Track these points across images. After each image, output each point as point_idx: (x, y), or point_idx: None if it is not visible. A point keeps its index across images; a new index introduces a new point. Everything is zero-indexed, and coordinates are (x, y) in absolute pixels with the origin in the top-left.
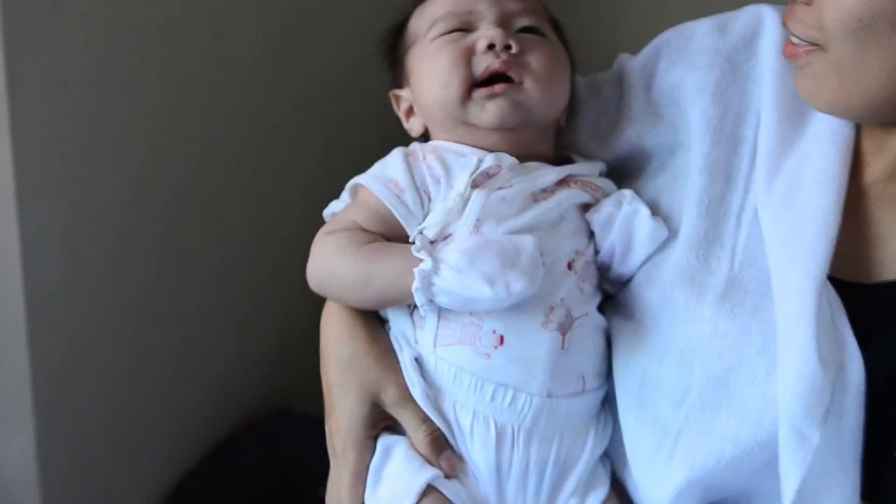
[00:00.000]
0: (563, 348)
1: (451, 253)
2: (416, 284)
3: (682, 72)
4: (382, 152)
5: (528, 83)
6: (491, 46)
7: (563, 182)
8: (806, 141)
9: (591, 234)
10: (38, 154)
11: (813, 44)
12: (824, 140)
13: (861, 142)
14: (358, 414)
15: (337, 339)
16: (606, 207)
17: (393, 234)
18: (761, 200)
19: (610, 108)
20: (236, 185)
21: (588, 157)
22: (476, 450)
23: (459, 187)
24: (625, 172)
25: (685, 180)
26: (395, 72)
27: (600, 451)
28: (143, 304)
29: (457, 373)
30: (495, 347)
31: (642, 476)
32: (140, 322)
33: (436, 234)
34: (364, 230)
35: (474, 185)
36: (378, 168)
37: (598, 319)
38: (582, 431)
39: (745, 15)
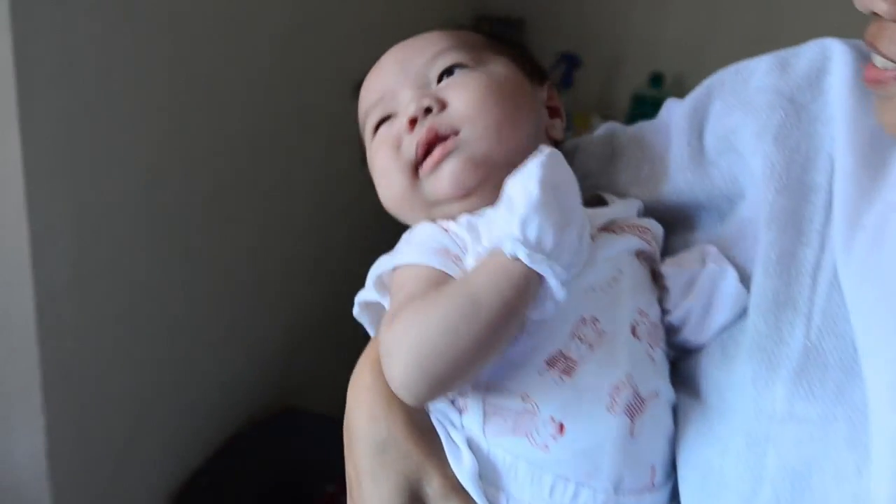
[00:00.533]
0: (632, 435)
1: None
2: (513, 251)
3: (739, 115)
4: None
5: (466, 128)
6: (412, 121)
7: (605, 228)
8: (889, 189)
9: (653, 289)
10: (46, 152)
11: None
12: None
13: None
14: None
15: (370, 421)
16: (689, 263)
17: None
18: (841, 258)
19: (654, 156)
20: (244, 182)
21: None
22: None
23: (478, 252)
24: (674, 224)
25: (756, 236)
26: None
27: None
28: (152, 303)
29: (512, 461)
30: (554, 438)
31: None
32: (148, 320)
33: None
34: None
35: None
36: (414, 245)
37: (670, 395)
38: None
39: (809, 50)
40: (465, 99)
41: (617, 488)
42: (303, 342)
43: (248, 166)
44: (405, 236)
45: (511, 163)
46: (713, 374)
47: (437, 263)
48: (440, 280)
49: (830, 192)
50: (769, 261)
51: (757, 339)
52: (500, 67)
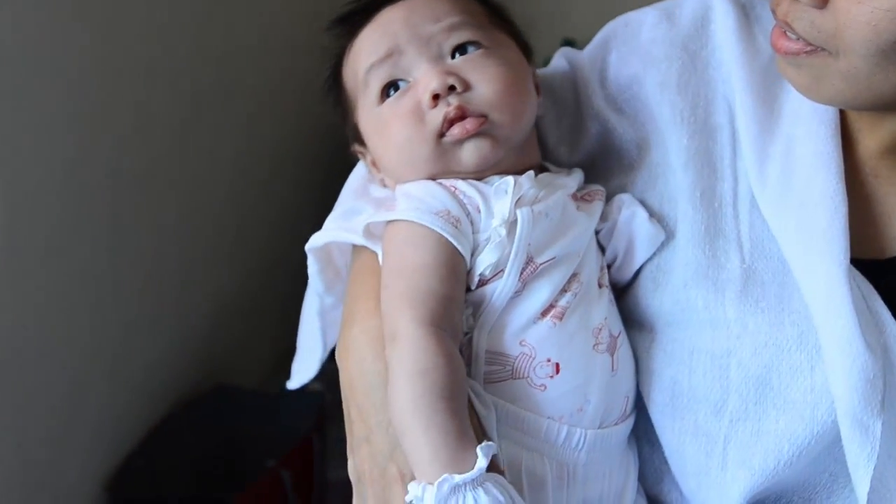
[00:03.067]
0: (613, 370)
1: None
2: (410, 494)
3: (638, 65)
4: (309, 123)
5: (493, 114)
6: (436, 97)
7: (579, 197)
8: (786, 123)
9: (600, 245)
10: None
11: (817, 45)
12: (809, 120)
13: (847, 120)
14: None
15: (375, 359)
16: (611, 215)
17: (460, 276)
18: (757, 188)
19: (568, 107)
20: (168, 160)
21: (558, 161)
22: (530, 494)
23: (502, 212)
24: (593, 171)
25: (667, 177)
26: (347, 127)
27: (637, 473)
28: (78, 287)
29: (507, 411)
30: (551, 377)
31: (697, 489)
32: (74, 305)
33: (491, 273)
34: (449, 298)
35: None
36: (415, 202)
37: (624, 331)
38: (625, 458)
39: (690, 1)
40: (493, 88)
41: (602, 423)
42: (229, 319)
43: (172, 144)
44: (402, 190)
45: (520, 140)
46: (651, 303)
47: (438, 227)
48: (446, 259)
49: (732, 130)
50: (694, 198)
51: (698, 269)
52: (511, 52)
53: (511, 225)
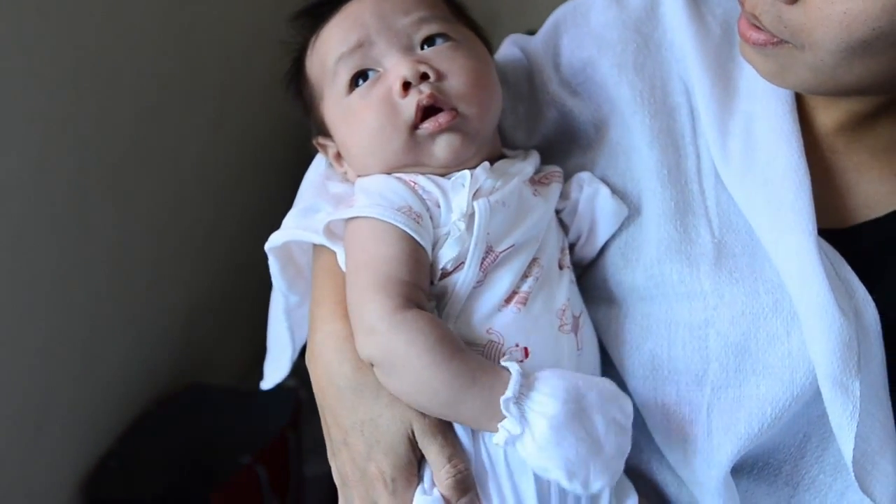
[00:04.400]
0: (578, 349)
1: (539, 422)
2: (499, 439)
3: (591, 48)
4: (281, 117)
5: (463, 108)
6: (406, 85)
7: (536, 180)
8: (743, 100)
9: (562, 224)
10: None
11: (783, 38)
12: (766, 97)
13: (802, 97)
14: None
15: (355, 371)
16: (572, 193)
17: (425, 268)
18: (720, 165)
19: (522, 94)
20: (136, 158)
21: (514, 145)
22: (517, 480)
23: (461, 206)
24: (551, 152)
25: (629, 156)
26: (311, 120)
27: None
28: (49, 287)
29: None
30: (521, 361)
31: (684, 458)
32: (46, 305)
33: (452, 266)
34: (418, 287)
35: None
36: (376, 198)
37: (586, 310)
38: None
39: None
40: (463, 80)
41: None
42: (202, 317)
43: (139, 142)
44: (361, 185)
45: (489, 133)
46: (622, 279)
47: (401, 223)
48: (409, 255)
49: (690, 108)
50: (662, 175)
51: (671, 245)
52: (477, 45)
53: (469, 218)
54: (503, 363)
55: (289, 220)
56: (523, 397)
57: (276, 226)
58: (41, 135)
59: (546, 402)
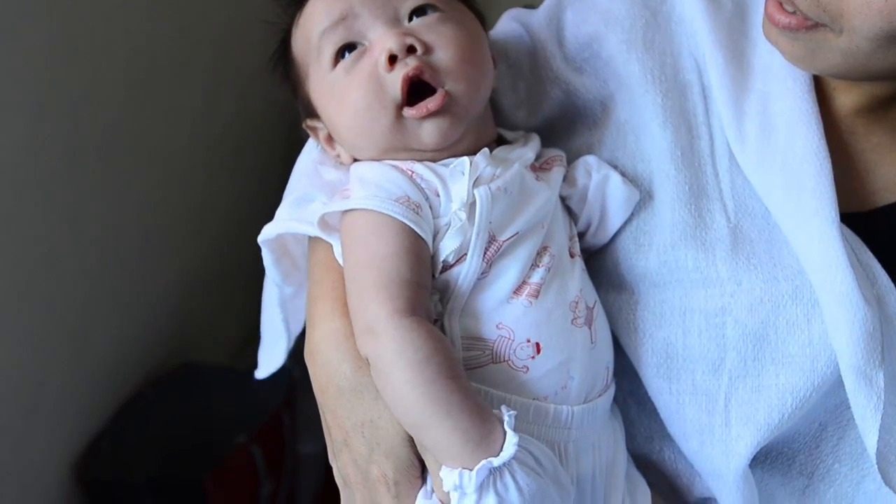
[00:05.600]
0: (592, 342)
1: (513, 493)
2: (448, 484)
3: (598, 23)
4: (268, 91)
5: (451, 85)
6: (392, 58)
7: (538, 166)
8: (758, 79)
9: (569, 211)
10: None
11: (819, 21)
12: (782, 76)
13: (821, 77)
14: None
15: (355, 371)
16: (579, 179)
17: (426, 262)
18: (736, 147)
19: (523, 70)
20: (126, 136)
21: (515, 126)
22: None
23: (461, 195)
24: (555, 133)
25: (638, 136)
26: (299, 102)
27: (624, 439)
28: (40, 267)
29: (492, 396)
30: (533, 358)
31: (700, 449)
32: (36, 285)
33: (454, 258)
34: (420, 286)
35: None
36: (372, 188)
37: (598, 300)
38: (610, 426)
39: None
40: (451, 53)
41: (587, 398)
42: (195, 295)
43: (131, 115)
44: (356, 174)
45: (479, 113)
46: (634, 265)
47: (399, 214)
48: (410, 249)
49: (702, 86)
50: (676, 157)
51: (686, 230)
52: (467, 18)
53: (470, 207)
54: (506, 426)
55: (282, 212)
56: (499, 469)
57: (267, 203)
58: (30, 113)
59: (511, 492)
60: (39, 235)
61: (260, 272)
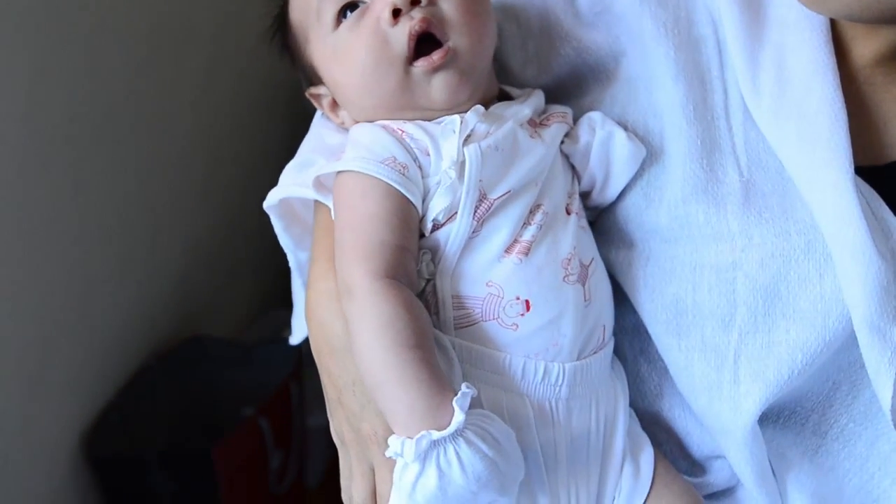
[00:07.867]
0: (586, 300)
1: (455, 470)
2: (390, 451)
3: None
4: (272, 59)
5: (456, 40)
6: (396, 13)
7: (536, 122)
8: (774, 30)
9: (568, 167)
10: None
11: None
12: (800, 27)
13: (839, 27)
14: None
15: (347, 330)
16: (582, 136)
17: (412, 224)
18: (750, 99)
19: (532, 29)
20: (130, 107)
21: (525, 83)
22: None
23: (451, 154)
24: (565, 91)
25: (650, 90)
26: (300, 71)
27: (627, 398)
28: (44, 240)
29: (481, 354)
30: (522, 315)
31: (709, 405)
32: (41, 259)
33: (444, 217)
34: (402, 248)
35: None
36: (362, 150)
37: (599, 258)
38: (610, 384)
39: None
40: (457, 6)
41: (580, 355)
42: (203, 268)
43: (133, 90)
44: (351, 134)
45: (484, 68)
46: (645, 220)
47: (384, 175)
48: (396, 210)
49: (717, 40)
50: (688, 111)
51: (697, 184)
52: None
53: (460, 166)
54: (454, 403)
55: (285, 177)
56: (441, 443)
57: (274, 173)
58: (31, 84)
59: (454, 467)
60: (43, 210)
61: (267, 245)
